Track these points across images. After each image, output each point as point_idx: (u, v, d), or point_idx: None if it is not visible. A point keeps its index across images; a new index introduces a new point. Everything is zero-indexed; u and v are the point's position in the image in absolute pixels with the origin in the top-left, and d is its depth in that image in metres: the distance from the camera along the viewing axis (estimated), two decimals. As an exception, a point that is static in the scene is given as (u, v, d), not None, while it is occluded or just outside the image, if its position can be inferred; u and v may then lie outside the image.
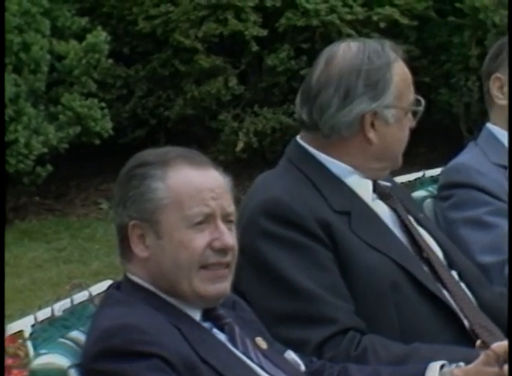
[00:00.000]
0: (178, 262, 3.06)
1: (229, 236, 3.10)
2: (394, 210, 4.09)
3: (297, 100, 3.77)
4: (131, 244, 3.09)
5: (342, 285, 3.73)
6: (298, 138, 3.81)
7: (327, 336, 3.61)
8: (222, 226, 3.10)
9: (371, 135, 3.67)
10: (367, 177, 3.79)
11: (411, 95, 3.80)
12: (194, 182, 3.11)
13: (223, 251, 3.12)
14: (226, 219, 3.12)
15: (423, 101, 3.81)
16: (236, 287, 3.50)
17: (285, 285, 3.66)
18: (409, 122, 3.82)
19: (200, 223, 3.05)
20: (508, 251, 4.28)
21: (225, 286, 3.17)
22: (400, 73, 3.77)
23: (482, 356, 3.25)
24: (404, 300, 3.94)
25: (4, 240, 3.17)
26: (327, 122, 3.65)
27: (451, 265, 4.22)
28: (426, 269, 4.02)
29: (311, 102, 3.67)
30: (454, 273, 4.12)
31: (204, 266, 3.07)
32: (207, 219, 3.07)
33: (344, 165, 3.72)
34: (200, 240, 3.05)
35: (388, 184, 3.98)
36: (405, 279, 3.95)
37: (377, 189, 3.89)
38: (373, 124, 3.67)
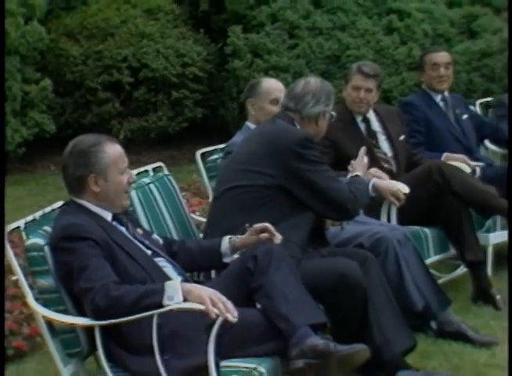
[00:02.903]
0: (117, 192, 3.03)
1: (134, 175, 3.14)
2: None
3: (285, 99, 3.68)
4: (89, 184, 3.00)
5: None
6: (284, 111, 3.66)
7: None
8: (130, 171, 3.13)
9: (319, 122, 3.59)
10: None
11: None
12: (118, 152, 3.07)
13: (133, 182, 3.16)
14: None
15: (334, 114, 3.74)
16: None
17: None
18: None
19: (123, 171, 3.04)
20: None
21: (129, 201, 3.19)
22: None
23: (249, 231, 3.22)
24: None
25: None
26: (306, 111, 3.57)
27: None
28: None
29: (298, 99, 3.58)
30: None
31: (125, 192, 3.06)
32: (125, 169, 3.06)
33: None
34: (125, 179, 3.05)
35: None
36: None
37: None
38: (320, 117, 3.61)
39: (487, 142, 5.54)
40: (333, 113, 3.67)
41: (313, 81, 3.65)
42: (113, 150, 3.01)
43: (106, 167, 2.98)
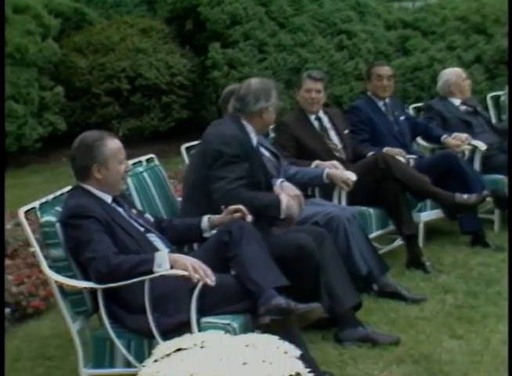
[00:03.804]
0: (116, 179, 2.94)
1: (130, 165, 3.08)
2: None
3: (233, 100, 3.53)
4: (92, 172, 2.92)
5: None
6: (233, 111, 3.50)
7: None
8: (127, 161, 3.06)
9: (264, 116, 3.45)
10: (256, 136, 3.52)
11: None
12: (117, 146, 2.98)
13: (129, 171, 3.10)
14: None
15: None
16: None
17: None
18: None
19: (121, 162, 2.95)
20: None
21: (126, 186, 3.13)
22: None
23: (225, 211, 3.17)
24: None
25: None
26: (248, 109, 3.43)
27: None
28: None
29: (241, 100, 3.45)
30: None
31: (123, 178, 2.99)
32: (123, 160, 2.97)
33: (251, 128, 3.48)
34: (122, 168, 2.96)
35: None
36: None
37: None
38: (264, 112, 3.48)
39: (419, 139, 5.59)
40: (277, 103, 3.55)
41: (253, 82, 3.53)
42: (113, 144, 2.96)
43: (107, 158, 2.93)
